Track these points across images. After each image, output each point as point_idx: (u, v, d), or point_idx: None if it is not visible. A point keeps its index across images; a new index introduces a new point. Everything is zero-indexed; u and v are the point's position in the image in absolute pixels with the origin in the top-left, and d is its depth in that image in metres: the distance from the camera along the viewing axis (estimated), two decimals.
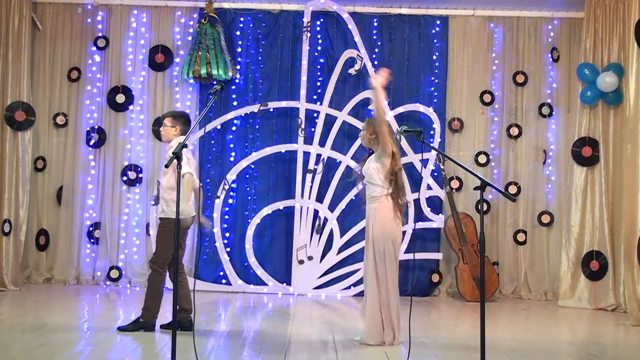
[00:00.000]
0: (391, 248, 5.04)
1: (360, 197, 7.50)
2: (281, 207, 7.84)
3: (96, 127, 8.07)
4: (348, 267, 7.78)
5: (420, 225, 7.78)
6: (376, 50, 8.16)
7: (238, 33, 8.14)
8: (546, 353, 5.14)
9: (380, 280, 5.06)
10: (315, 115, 7.96)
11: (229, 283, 7.79)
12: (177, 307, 5.02)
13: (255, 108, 7.94)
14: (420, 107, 7.99)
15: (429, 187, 7.87)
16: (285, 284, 7.80)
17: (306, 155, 7.88)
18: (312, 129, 7.93)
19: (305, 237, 7.80)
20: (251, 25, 8.14)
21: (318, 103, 7.98)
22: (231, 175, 7.87)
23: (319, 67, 8.13)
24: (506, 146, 8.20)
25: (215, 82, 7.61)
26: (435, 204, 7.93)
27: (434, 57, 8.17)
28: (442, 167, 7.79)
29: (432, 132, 7.90)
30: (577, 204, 7.59)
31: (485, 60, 8.23)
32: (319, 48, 8.14)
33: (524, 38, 8.21)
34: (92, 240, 7.99)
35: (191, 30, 8.04)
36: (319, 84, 8.09)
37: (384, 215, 5.06)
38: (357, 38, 7.97)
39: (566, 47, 8.21)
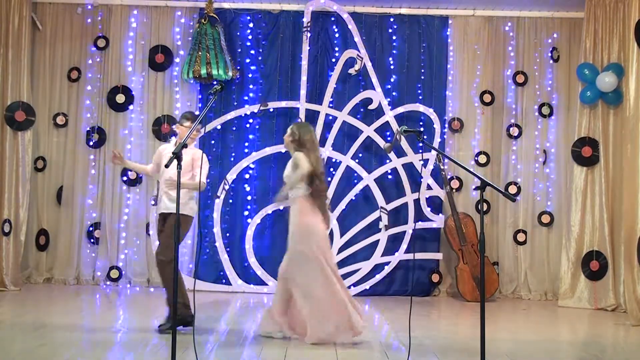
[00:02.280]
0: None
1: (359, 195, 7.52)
2: (281, 207, 7.84)
3: (96, 127, 8.07)
4: (348, 267, 7.78)
5: (420, 225, 7.79)
6: (376, 50, 8.16)
7: (238, 33, 8.14)
8: (546, 353, 5.14)
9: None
10: (315, 115, 7.96)
11: (229, 283, 7.79)
12: (177, 303, 5.12)
13: (255, 108, 7.94)
14: (420, 107, 7.99)
15: (429, 187, 7.87)
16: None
17: None
18: None
19: None
20: (251, 25, 8.14)
21: (318, 103, 7.99)
22: (231, 175, 7.88)
23: (319, 67, 8.13)
24: (506, 146, 8.21)
25: (215, 82, 7.62)
26: (435, 204, 7.93)
27: (434, 57, 8.18)
28: (442, 167, 7.79)
29: (432, 132, 7.90)
30: (577, 204, 7.59)
31: (485, 60, 8.23)
32: (319, 48, 8.14)
33: (524, 38, 8.22)
34: (92, 240, 7.99)
35: (191, 31, 8.04)
36: (319, 84, 8.09)
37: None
38: (357, 38, 7.97)
39: (566, 47, 8.21)
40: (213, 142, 8.00)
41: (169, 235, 5.29)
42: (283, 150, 7.93)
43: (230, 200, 7.99)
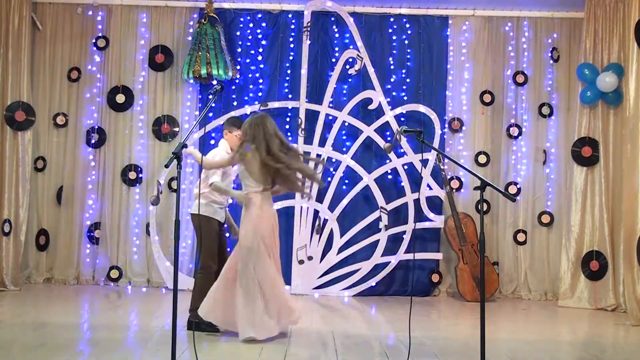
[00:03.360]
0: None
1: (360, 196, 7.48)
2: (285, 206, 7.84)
3: (96, 127, 8.07)
4: (348, 267, 7.78)
5: (420, 225, 7.78)
6: (376, 50, 8.16)
7: (238, 33, 8.14)
8: (546, 353, 5.14)
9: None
10: (315, 115, 7.96)
11: None
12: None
13: (255, 108, 7.94)
14: (420, 107, 7.99)
15: (429, 187, 7.87)
16: (285, 284, 7.77)
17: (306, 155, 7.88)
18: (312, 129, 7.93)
19: (305, 237, 7.80)
20: (251, 25, 8.15)
21: (318, 103, 7.99)
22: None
23: (319, 67, 8.13)
24: (506, 146, 8.20)
25: (215, 82, 7.62)
26: (435, 204, 7.93)
27: (434, 57, 8.17)
28: (442, 167, 7.79)
29: (432, 132, 7.90)
30: (577, 204, 7.59)
31: (485, 60, 8.23)
32: (319, 48, 8.14)
33: (523, 38, 8.21)
34: (92, 240, 7.99)
35: (191, 30, 8.04)
36: (319, 84, 8.09)
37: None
38: (357, 38, 7.97)
39: (566, 47, 8.21)
40: (213, 142, 7.99)
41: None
42: None
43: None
